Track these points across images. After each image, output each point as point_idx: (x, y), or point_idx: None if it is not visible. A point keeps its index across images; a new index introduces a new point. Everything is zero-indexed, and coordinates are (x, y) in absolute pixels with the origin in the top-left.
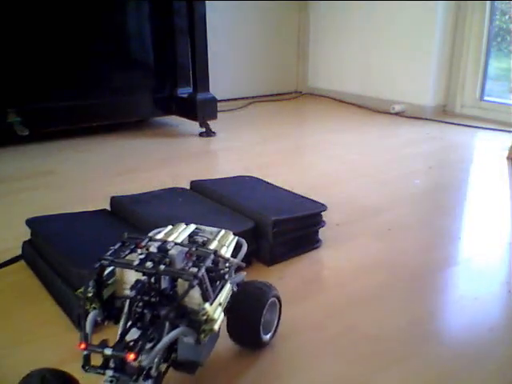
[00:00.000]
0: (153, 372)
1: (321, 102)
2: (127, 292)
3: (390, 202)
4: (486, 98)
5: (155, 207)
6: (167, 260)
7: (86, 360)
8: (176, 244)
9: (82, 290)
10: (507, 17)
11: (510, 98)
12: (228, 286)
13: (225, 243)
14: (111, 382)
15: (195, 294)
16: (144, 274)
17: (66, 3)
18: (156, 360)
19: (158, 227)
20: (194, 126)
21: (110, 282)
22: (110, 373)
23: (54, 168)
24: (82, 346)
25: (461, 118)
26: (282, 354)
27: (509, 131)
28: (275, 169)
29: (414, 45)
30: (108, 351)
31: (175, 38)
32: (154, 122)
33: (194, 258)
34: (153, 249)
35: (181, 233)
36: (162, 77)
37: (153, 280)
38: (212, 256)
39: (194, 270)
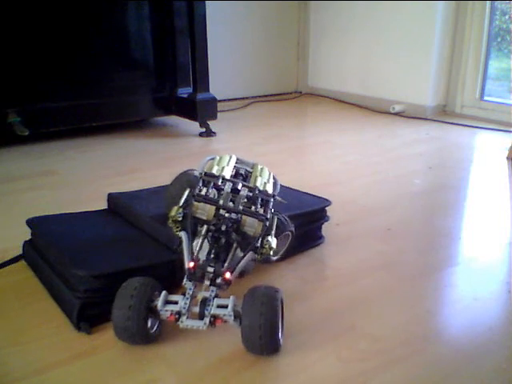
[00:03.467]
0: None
1: (321, 102)
2: (202, 217)
3: (390, 202)
4: (485, 97)
5: (152, 203)
6: (241, 200)
7: (191, 274)
8: (244, 185)
9: (173, 213)
10: (507, 17)
11: (510, 98)
12: (276, 219)
13: (266, 179)
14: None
15: (255, 224)
16: (226, 211)
17: (66, 3)
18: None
19: (155, 224)
20: (194, 126)
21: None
22: (207, 283)
23: (54, 168)
24: (192, 264)
25: (461, 117)
26: (281, 353)
27: (509, 131)
28: (275, 169)
29: (414, 45)
30: (211, 269)
31: (175, 38)
32: (154, 121)
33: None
34: (227, 188)
35: (229, 164)
36: (162, 77)
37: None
38: (272, 199)
39: (261, 210)
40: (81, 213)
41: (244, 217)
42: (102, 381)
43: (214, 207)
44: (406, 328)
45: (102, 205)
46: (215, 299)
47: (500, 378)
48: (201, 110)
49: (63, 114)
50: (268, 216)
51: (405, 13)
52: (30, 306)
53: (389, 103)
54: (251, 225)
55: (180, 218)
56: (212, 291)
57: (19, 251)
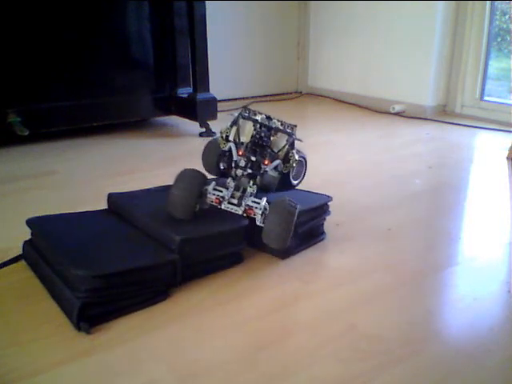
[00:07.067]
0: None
1: (321, 102)
2: (242, 139)
3: (390, 202)
4: (486, 97)
5: (152, 204)
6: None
7: (236, 164)
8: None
9: (223, 130)
10: (507, 17)
11: (510, 98)
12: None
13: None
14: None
15: (283, 143)
16: (263, 127)
17: (66, 3)
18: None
19: (155, 224)
20: (194, 126)
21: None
22: (249, 171)
23: (53, 168)
24: (240, 152)
25: (461, 117)
26: (281, 353)
27: (509, 131)
28: None
29: (414, 45)
30: (254, 158)
31: (175, 39)
32: (154, 121)
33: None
34: (263, 117)
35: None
36: (162, 77)
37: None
38: (294, 127)
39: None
40: (81, 213)
41: (272, 138)
42: (102, 381)
43: (252, 129)
44: (406, 328)
45: (102, 205)
46: (251, 197)
47: (500, 377)
48: (201, 110)
49: (63, 113)
50: (293, 134)
51: (405, 13)
52: (30, 306)
53: (389, 103)
54: (277, 145)
55: (228, 134)
56: (251, 193)
57: (19, 251)
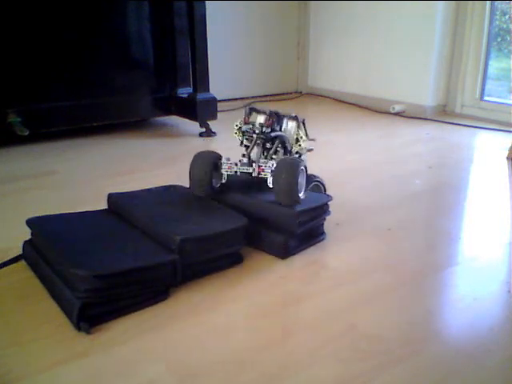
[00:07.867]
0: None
1: (321, 102)
2: (257, 130)
3: (390, 202)
4: (486, 97)
5: (152, 204)
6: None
7: (245, 129)
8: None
9: (237, 123)
10: (507, 17)
11: (510, 98)
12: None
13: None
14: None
15: (293, 130)
16: (272, 116)
17: (66, 3)
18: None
19: (155, 224)
20: (194, 126)
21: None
22: (255, 135)
23: (53, 168)
24: (245, 120)
25: (461, 117)
26: (281, 354)
27: (509, 131)
28: None
29: (414, 45)
30: (258, 128)
31: (175, 38)
32: (154, 121)
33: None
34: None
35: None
36: (162, 77)
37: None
38: (302, 119)
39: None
40: (81, 213)
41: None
42: (102, 381)
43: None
44: (406, 328)
45: (102, 205)
46: (261, 160)
47: (500, 377)
48: (201, 110)
49: (63, 113)
50: (301, 119)
51: (405, 13)
52: (30, 306)
53: (389, 103)
54: (288, 140)
55: (241, 125)
56: (264, 161)
57: (19, 251)
